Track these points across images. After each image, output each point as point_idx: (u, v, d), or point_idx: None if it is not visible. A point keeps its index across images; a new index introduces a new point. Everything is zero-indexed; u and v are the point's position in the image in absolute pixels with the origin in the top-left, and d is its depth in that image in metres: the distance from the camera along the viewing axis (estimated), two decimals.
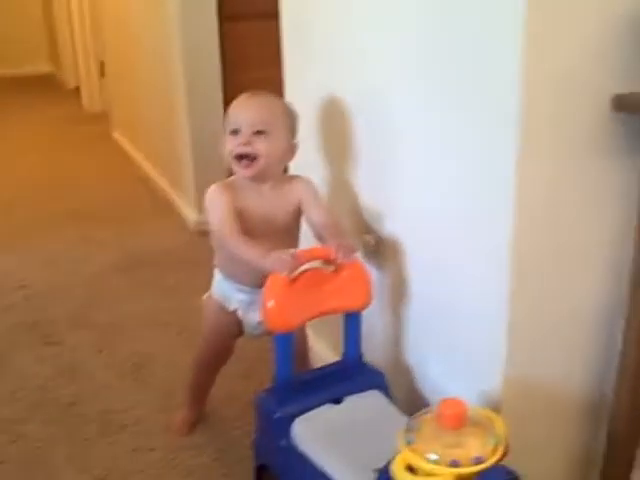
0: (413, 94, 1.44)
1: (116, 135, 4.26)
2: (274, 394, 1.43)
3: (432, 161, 1.42)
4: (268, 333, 1.67)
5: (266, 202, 1.54)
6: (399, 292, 1.60)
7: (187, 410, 1.81)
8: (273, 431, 1.41)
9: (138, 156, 3.84)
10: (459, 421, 1.12)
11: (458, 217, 1.37)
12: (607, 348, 1.37)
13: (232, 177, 1.57)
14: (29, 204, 3.38)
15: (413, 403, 1.58)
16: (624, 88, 1.19)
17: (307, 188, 1.57)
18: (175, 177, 3.25)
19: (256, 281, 1.56)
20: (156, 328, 2.26)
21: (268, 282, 1.37)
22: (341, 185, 1.76)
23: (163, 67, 3.15)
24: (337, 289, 1.44)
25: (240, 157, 1.49)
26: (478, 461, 1.09)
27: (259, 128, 1.49)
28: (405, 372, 1.61)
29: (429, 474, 1.09)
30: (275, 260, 1.36)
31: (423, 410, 1.21)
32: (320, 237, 1.52)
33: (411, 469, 1.12)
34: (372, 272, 1.63)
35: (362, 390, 1.45)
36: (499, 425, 1.15)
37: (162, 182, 3.44)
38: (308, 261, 1.43)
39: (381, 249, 1.64)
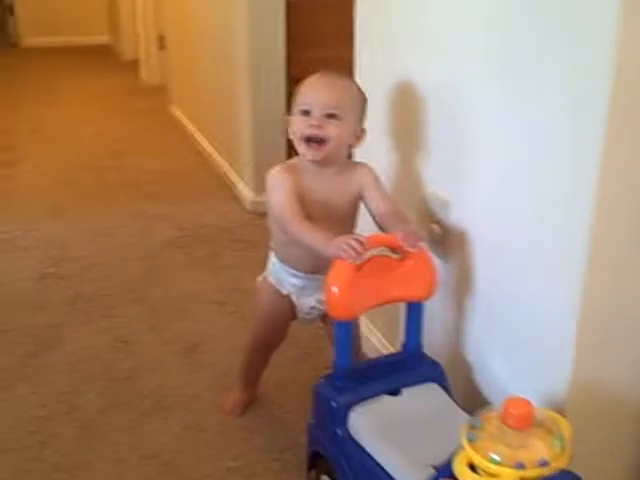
0: (494, 87, 1.38)
1: (173, 109, 4.25)
2: (333, 382, 1.41)
3: (509, 156, 1.37)
4: (322, 319, 1.67)
5: (328, 187, 1.51)
6: (463, 284, 1.56)
7: (239, 392, 1.79)
8: (330, 419, 1.39)
9: (195, 131, 3.83)
10: (525, 422, 1.09)
11: (531, 212, 1.33)
12: None
13: (294, 159, 1.54)
14: (85, 175, 3.39)
15: (472, 398, 1.55)
16: None
17: (369, 175, 1.54)
18: (233, 155, 3.23)
19: (311, 267, 1.56)
20: (211, 307, 2.25)
21: (333, 268, 1.34)
22: (408, 173, 1.71)
23: (225, 42, 3.12)
24: (402, 278, 1.40)
25: (309, 139, 1.46)
26: (543, 464, 1.06)
27: (331, 111, 1.45)
28: (464, 366, 1.58)
29: (493, 475, 1.06)
30: (341, 245, 1.33)
31: (487, 408, 1.18)
32: (381, 225, 1.49)
33: (473, 467, 1.09)
34: (436, 262, 1.60)
35: (420, 382, 1.43)
36: (565, 428, 1.12)
37: (219, 159, 3.42)
38: (374, 247, 1.39)
39: (447, 239, 1.60)
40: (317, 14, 2.84)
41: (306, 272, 1.58)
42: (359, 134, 1.52)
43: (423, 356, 1.49)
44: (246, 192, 3.03)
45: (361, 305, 1.38)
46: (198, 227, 2.83)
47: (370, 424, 1.33)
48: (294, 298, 1.62)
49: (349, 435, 1.34)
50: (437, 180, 1.62)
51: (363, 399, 1.37)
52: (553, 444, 1.08)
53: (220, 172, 3.38)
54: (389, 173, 1.77)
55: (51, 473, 1.59)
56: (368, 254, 1.37)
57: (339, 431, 1.35)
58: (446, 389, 1.45)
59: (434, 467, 1.20)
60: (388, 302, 1.44)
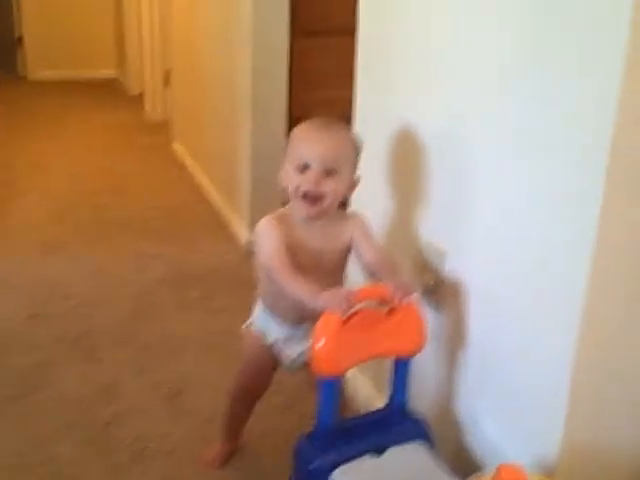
0: (495, 140, 1.35)
1: (176, 146, 4.23)
2: (313, 441, 1.36)
3: (507, 208, 1.33)
4: (306, 367, 1.60)
5: (318, 239, 1.46)
6: (456, 337, 1.51)
7: (221, 443, 1.74)
8: (311, 479, 1.33)
9: (196, 169, 3.81)
10: None
11: (528, 267, 1.28)
12: None
13: (285, 209, 1.49)
14: (82, 211, 3.35)
15: (461, 457, 1.49)
16: None
17: (360, 226, 1.50)
18: (231, 194, 3.19)
19: (298, 317, 1.52)
20: (200, 351, 2.19)
21: (320, 321, 1.29)
22: (405, 221, 1.67)
23: (228, 80, 3.11)
24: (390, 331, 1.35)
25: (305, 195, 1.41)
26: None
27: (330, 167, 1.40)
28: (455, 424, 1.52)
29: None
30: (329, 298, 1.28)
31: (477, 474, 1.12)
32: (372, 275, 1.44)
33: None
34: (429, 313, 1.55)
35: (406, 440, 1.38)
36: None
37: (218, 198, 3.39)
38: (363, 300, 1.34)
39: (441, 289, 1.55)
40: (320, 56, 2.83)
41: (293, 322, 1.54)
42: (353, 184, 1.47)
43: (408, 413, 1.44)
44: (242, 231, 2.98)
45: (348, 361, 1.33)
46: (192, 267, 2.78)
47: None
48: (279, 347, 1.57)
49: None
50: (434, 229, 1.58)
51: (345, 460, 1.31)
52: None
53: (218, 211, 3.35)
54: (385, 221, 1.73)
55: None
56: (356, 307, 1.32)
57: None
58: (432, 447, 1.40)
59: None
60: (375, 357, 1.40)
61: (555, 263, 1.21)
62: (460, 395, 1.51)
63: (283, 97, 2.84)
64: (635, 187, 1.11)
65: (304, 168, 1.40)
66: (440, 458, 1.37)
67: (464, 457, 1.48)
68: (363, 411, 1.85)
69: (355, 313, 1.31)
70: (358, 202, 1.66)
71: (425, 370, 1.57)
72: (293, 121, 2.85)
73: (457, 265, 1.50)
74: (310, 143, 1.41)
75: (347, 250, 1.50)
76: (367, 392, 1.87)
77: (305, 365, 1.60)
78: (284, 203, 1.49)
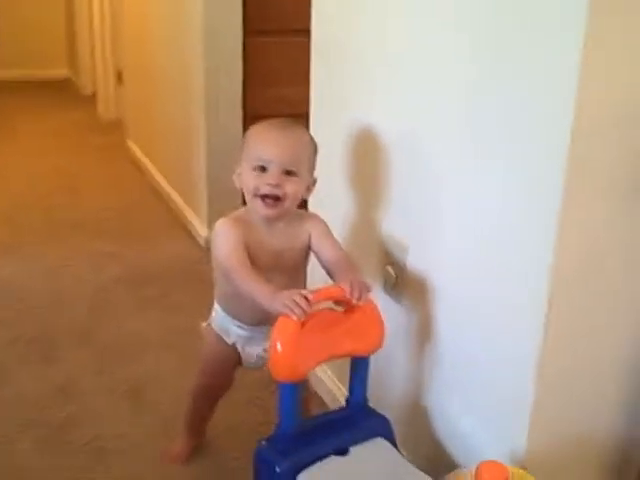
0: (454, 142, 1.36)
1: (130, 144, 4.19)
2: (275, 445, 1.32)
3: (471, 203, 1.34)
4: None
5: (277, 239, 1.46)
6: (422, 331, 1.52)
7: (184, 440, 1.72)
8: None
9: (151, 167, 3.77)
10: None
11: (492, 260, 1.30)
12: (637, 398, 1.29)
13: (242, 210, 1.48)
14: (35, 212, 3.29)
15: (429, 449, 1.50)
16: None
17: (319, 225, 1.49)
18: (188, 192, 3.17)
19: (256, 320, 1.50)
20: (159, 349, 2.17)
21: (277, 326, 1.26)
22: (367, 220, 1.68)
23: (182, 78, 3.09)
24: (348, 331, 1.34)
25: (264, 196, 1.40)
26: None
27: (289, 168, 1.39)
28: (426, 419, 1.52)
29: None
30: (286, 301, 1.26)
31: (455, 471, 1.12)
32: (331, 274, 1.44)
33: None
34: (392, 307, 1.55)
35: (367, 438, 1.36)
36: None
37: (174, 196, 3.36)
38: (321, 302, 1.32)
39: (402, 282, 1.56)
40: (274, 54, 2.82)
41: (252, 323, 1.52)
42: (311, 185, 1.47)
43: (369, 410, 1.43)
44: (200, 229, 2.97)
45: (306, 364, 1.30)
46: (149, 265, 2.74)
47: None
48: (239, 347, 1.56)
49: None
50: (396, 225, 1.58)
51: (310, 462, 1.28)
52: None
53: (174, 208, 3.32)
54: (346, 220, 1.73)
55: None
56: (313, 309, 1.29)
57: None
58: (393, 442, 1.39)
59: None
60: (335, 358, 1.38)
61: (517, 259, 1.23)
62: (430, 390, 1.51)
63: (238, 95, 2.83)
64: (594, 186, 1.13)
65: (262, 169, 1.39)
66: (401, 451, 1.38)
67: (433, 448, 1.49)
68: (329, 405, 1.86)
69: (312, 315, 1.28)
70: (318, 203, 1.66)
71: (395, 364, 1.58)
72: (248, 119, 2.85)
73: (420, 260, 1.50)
74: (268, 144, 1.40)
75: (306, 249, 1.49)
76: (332, 386, 1.87)
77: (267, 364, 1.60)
78: (244, 200, 1.48)
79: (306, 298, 1.26)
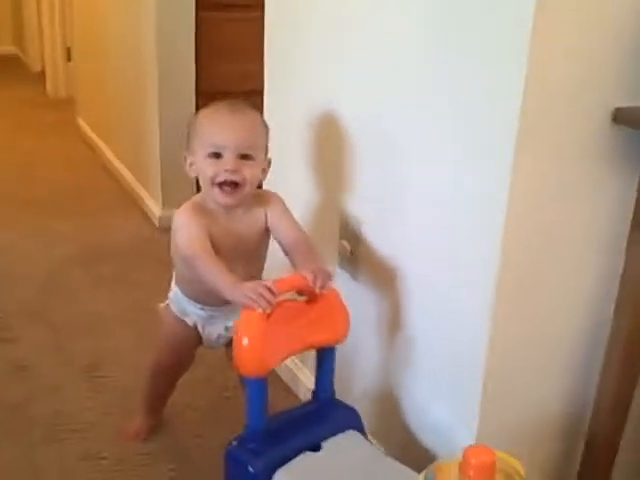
0: (413, 110, 1.36)
1: (80, 122, 4.11)
2: (246, 444, 1.29)
3: (426, 176, 1.35)
4: (226, 345, 1.60)
5: (236, 225, 1.43)
6: (374, 305, 1.53)
7: (142, 417, 1.71)
8: None
9: (102, 145, 3.71)
10: (488, 472, 1.02)
11: (443, 231, 1.32)
12: (588, 369, 1.34)
13: (199, 196, 1.44)
14: None
15: (406, 442, 1.49)
16: (626, 101, 1.15)
17: (277, 204, 1.47)
18: (141, 169, 3.13)
19: (217, 302, 1.47)
20: (115, 327, 2.15)
21: (242, 318, 1.24)
22: (321, 194, 1.68)
23: (133, 55, 3.04)
24: (314, 322, 1.31)
25: (223, 183, 1.37)
26: None
27: (245, 152, 1.36)
28: (394, 405, 1.52)
29: None
30: (250, 293, 1.23)
31: (439, 460, 1.14)
32: (289, 255, 1.42)
33: None
34: (347, 282, 1.56)
35: (338, 431, 1.34)
36: (521, 470, 1.07)
37: (127, 174, 3.32)
38: (284, 292, 1.28)
39: (357, 257, 1.57)
40: (227, 29, 2.79)
41: (212, 306, 1.51)
42: (266, 167, 1.44)
43: (337, 403, 1.41)
44: (154, 207, 2.94)
45: (273, 358, 1.28)
46: (103, 244, 2.71)
47: None
48: (200, 327, 1.55)
49: None
50: (351, 201, 1.58)
51: (283, 460, 1.26)
52: None
53: (127, 187, 3.28)
54: (302, 197, 1.73)
55: None
56: (276, 300, 1.26)
57: None
58: (363, 433, 1.38)
59: None
60: (303, 350, 1.36)
61: (469, 233, 1.26)
62: (393, 372, 1.52)
63: (191, 70, 2.79)
64: (543, 155, 1.15)
65: (217, 156, 1.36)
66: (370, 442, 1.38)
67: (411, 441, 1.47)
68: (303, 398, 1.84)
69: (276, 306, 1.26)
70: (272, 180, 1.65)
71: (352, 348, 1.57)
72: (201, 95, 2.82)
73: (375, 235, 1.51)
74: (222, 129, 1.37)
75: (267, 230, 1.46)
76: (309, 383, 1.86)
77: (226, 345, 1.60)
78: (198, 184, 1.44)
79: (270, 289, 1.23)
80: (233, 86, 2.60)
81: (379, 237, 1.51)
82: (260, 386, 1.28)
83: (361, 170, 1.53)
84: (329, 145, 1.62)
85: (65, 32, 4.65)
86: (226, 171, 1.35)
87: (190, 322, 1.54)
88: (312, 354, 1.69)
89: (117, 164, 3.45)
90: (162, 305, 1.59)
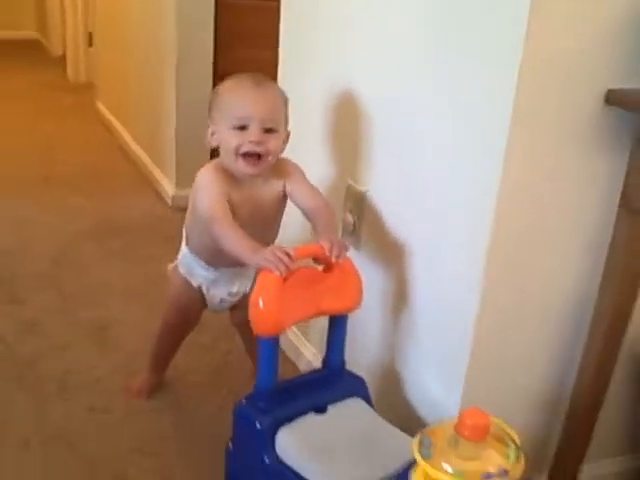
0: (415, 91, 1.43)
1: (99, 105, 4.20)
2: (255, 402, 1.34)
3: (425, 152, 1.41)
4: (230, 309, 1.68)
5: (256, 193, 1.48)
6: (376, 276, 1.59)
7: (148, 374, 1.78)
8: (255, 442, 1.32)
9: (120, 128, 3.79)
10: (481, 433, 1.06)
11: (441, 207, 1.38)
12: (573, 343, 1.39)
13: (220, 161, 1.48)
14: (4, 166, 3.30)
15: (403, 413, 1.53)
16: (618, 84, 1.21)
17: (296, 171, 1.51)
18: (156, 150, 3.21)
19: (222, 263, 1.54)
20: (124, 296, 2.23)
21: (259, 280, 1.29)
22: (327, 167, 1.74)
23: (153, 38, 3.12)
24: (328, 289, 1.36)
25: (247, 154, 1.42)
26: (503, 473, 1.05)
27: (269, 125, 1.41)
28: (393, 378, 1.58)
29: None
30: (269, 257, 1.27)
31: (436, 423, 1.17)
32: (311, 220, 1.47)
33: None
34: (350, 253, 1.62)
35: (344, 397, 1.40)
36: (515, 438, 1.11)
37: (142, 155, 3.40)
38: (301, 259, 1.32)
39: (360, 229, 1.63)
40: (246, 15, 2.87)
41: (217, 266, 1.57)
42: (286, 139, 1.49)
43: (345, 371, 1.46)
44: (168, 187, 3.02)
45: (287, 320, 1.32)
46: (117, 220, 2.79)
47: (301, 444, 1.29)
48: (204, 290, 1.61)
49: (278, 458, 1.29)
50: (356, 174, 1.64)
51: (289, 419, 1.31)
52: (508, 453, 1.07)
53: (143, 168, 3.36)
54: (312, 173, 1.77)
55: None
56: (294, 266, 1.31)
57: (266, 455, 1.29)
58: (369, 402, 1.43)
59: None
60: (315, 315, 1.39)
61: (464, 217, 1.32)
62: (393, 342, 1.56)
63: (209, 55, 2.87)
64: (537, 134, 1.21)
65: (242, 127, 1.40)
66: (377, 408, 1.42)
67: (408, 414, 1.51)
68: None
69: (293, 271, 1.30)
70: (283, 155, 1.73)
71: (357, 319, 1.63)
72: (218, 78, 2.90)
73: (378, 210, 1.57)
74: (248, 102, 1.40)
75: (284, 197, 1.51)
76: (313, 359, 1.91)
77: (231, 309, 1.67)
78: (212, 157, 1.49)
79: (288, 254, 1.28)
80: (250, 71, 2.67)
81: (381, 210, 1.57)
82: (271, 346, 1.32)
83: (365, 147, 1.60)
84: (337, 123, 1.69)
85: (87, 17, 4.74)
86: (251, 142, 1.40)
87: (195, 283, 1.61)
88: (316, 329, 1.77)
89: (134, 146, 3.53)
90: (171, 265, 1.66)
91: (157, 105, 3.13)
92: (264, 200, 1.49)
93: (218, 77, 2.87)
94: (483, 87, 1.24)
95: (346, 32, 1.64)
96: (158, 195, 3.08)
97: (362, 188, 1.61)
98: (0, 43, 5.90)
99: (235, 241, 1.35)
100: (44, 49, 5.97)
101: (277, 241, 1.59)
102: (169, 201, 2.97)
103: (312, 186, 1.52)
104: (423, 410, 1.48)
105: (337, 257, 1.33)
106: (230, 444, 1.42)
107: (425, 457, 1.07)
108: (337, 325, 1.42)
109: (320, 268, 1.39)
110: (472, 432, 1.06)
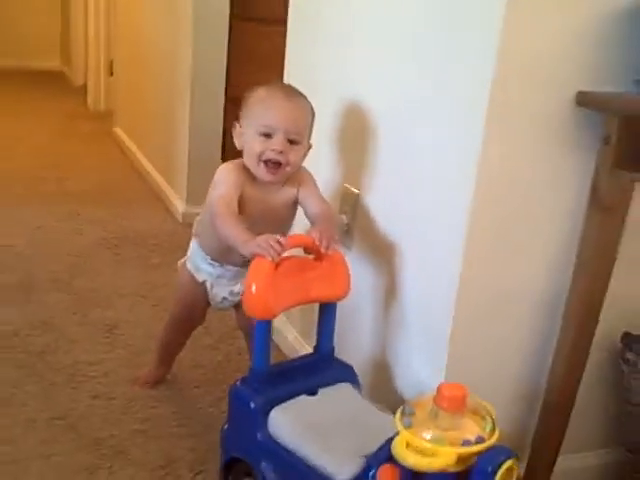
0: (401, 97, 1.54)
1: (117, 130, 4.36)
2: (250, 384, 1.43)
3: (411, 153, 1.52)
4: (235, 307, 1.74)
5: (269, 196, 1.56)
6: (366, 275, 1.68)
7: (152, 368, 1.87)
8: (249, 421, 1.40)
9: (136, 150, 3.94)
10: (458, 404, 1.14)
11: (425, 204, 1.48)
12: (549, 335, 1.46)
13: (242, 161, 1.56)
14: (24, 184, 3.45)
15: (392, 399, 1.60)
16: (588, 86, 1.31)
17: (308, 179, 1.59)
18: (169, 169, 3.34)
19: (226, 259, 1.62)
20: (133, 298, 2.33)
21: (252, 266, 1.36)
22: (326, 171, 1.84)
23: (170, 64, 3.26)
24: (318, 278, 1.44)
25: (268, 161, 1.50)
26: (480, 440, 1.12)
27: (293, 137, 1.49)
28: (382, 364, 1.66)
29: (432, 454, 1.11)
30: (261, 244, 1.35)
31: (417, 396, 1.26)
32: (312, 223, 1.54)
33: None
34: (342, 251, 1.72)
35: (334, 382, 1.48)
36: (493, 412, 1.19)
37: (155, 174, 3.53)
38: (292, 248, 1.41)
39: (353, 230, 1.73)
40: (257, 40, 3.00)
41: (222, 262, 1.65)
42: (307, 150, 1.56)
43: (336, 359, 1.54)
44: (179, 204, 3.13)
45: (279, 304, 1.39)
46: (129, 231, 2.92)
47: (292, 423, 1.36)
48: (208, 286, 1.69)
49: (270, 436, 1.36)
50: (350, 178, 1.75)
51: (281, 400, 1.39)
52: (484, 425, 1.15)
53: (155, 186, 3.49)
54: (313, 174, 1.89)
55: None
56: (285, 254, 1.39)
57: (259, 433, 1.37)
58: (358, 387, 1.50)
59: (363, 457, 1.24)
60: (305, 302, 1.47)
61: (443, 213, 1.42)
62: (388, 340, 1.64)
63: (222, 77, 3.01)
64: (513, 129, 1.31)
65: (267, 135, 1.48)
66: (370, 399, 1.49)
67: (398, 399, 1.57)
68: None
69: (285, 259, 1.39)
70: None
71: (350, 313, 1.71)
72: (230, 101, 3.04)
73: (369, 209, 1.68)
74: (277, 112, 1.48)
75: (295, 206, 1.59)
76: (295, 343, 2.01)
77: (234, 306, 1.74)
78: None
79: (279, 242, 1.35)
80: None
81: (372, 211, 1.67)
82: (264, 329, 1.40)
83: (360, 153, 1.70)
84: (335, 132, 1.80)
85: (109, 47, 4.93)
86: (273, 150, 1.48)
87: (200, 279, 1.69)
88: (300, 315, 1.88)
89: (147, 166, 3.67)
90: (180, 261, 1.75)
91: (171, 126, 3.27)
92: (276, 203, 1.57)
93: (230, 99, 3.02)
94: (461, 91, 1.35)
95: (345, 50, 1.76)
96: (169, 211, 3.21)
97: (356, 190, 1.72)
98: (26, 74, 6.12)
99: (232, 229, 1.44)
100: (67, 79, 6.18)
101: None
102: (179, 217, 3.08)
103: (320, 195, 1.59)
104: (412, 395, 1.55)
105: (326, 247, 1.41)
106: (226, 425, 1.49)
107: (406, 426, 1.15)
108: (327, 312, 1.50)
109: (311, 258, 1.47)
110: (450, 403, 1.14)
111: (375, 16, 1.63)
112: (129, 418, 1.72)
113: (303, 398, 1.42)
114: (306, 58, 1.98)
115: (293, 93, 1.55)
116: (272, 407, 1.38)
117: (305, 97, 1.57)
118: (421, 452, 1.12)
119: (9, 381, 1.83)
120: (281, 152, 1.48)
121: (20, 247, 2.65)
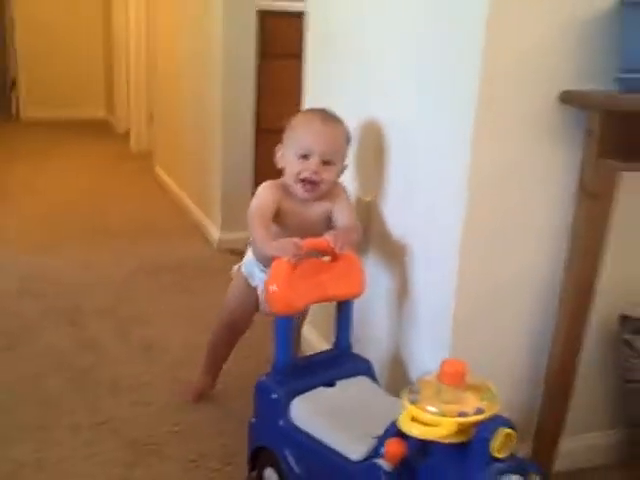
0: (406, 106, 1.66)
1: (157, 169, 4.58)
2: (273, 377, 1.56)
3: (417, 160, 1.64)
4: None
5: (306, 210, 1.69)
6: (379, 277, 1.78)
7: (200, 377, 1.97)
8: (273, 411, 1.52)
9: (174, 186, 4.14)
10: (459, 378, 1.23)
11: (429, 206, 1.59)
12: (546, 318, 1.54)
13: (284, 180, 1.69)
14: (72, 220, 3.65)
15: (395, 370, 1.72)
16: (573, 84, 1.42)
17: (341, 196, 1.71)
18: (204, 200, 3.52)
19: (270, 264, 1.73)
20: (170, 321, 2.47)
21: (273, 266, 1.50)
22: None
23: (203, 109, 3.46)
24: (334, 277, 1.56)
25: (304, 180, 1.65)
26: (479, 412, 1.20)
27: (327, 158, 1.63)
28: (395, 357, 1.75)
29: (435, 424, 1.20)
30: (280, 246, 1.50)
31: (423, 374, 1.33)
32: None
33: None
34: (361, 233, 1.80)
35: (352, 375, 1.58)
36: (493, 388, 1.27)
37: (193, 207, 3.71)
38: (309, 251, 1.53)
39: (368, 235, 1.83)
40: (283, 75, 3.17)
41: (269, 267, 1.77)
42: (341, 170, 1.70)
43: (353, 354, 1.65)
44: (214, 232, 3.29)
45: (298, 302, 1.52)
46: (167, 260, 3.07)
47: (311, 410, 1.48)
48: (259, 291, 1.80)
49: (291, 423, 1.48)
50: (361, 188, 1.88)
51: (302, 391, 1.51)
52: (484, 398, 1.23)
53: (192, 217, 3.68)
54: None
55: (13, 431, 1.80)
56: (303, 255, 1.51)
57: (281, 420, 1.49)
58: (374, 380, 1.61)
59: (375, 437, 1.34)
60: (323, 300, 1.59)
61: (440, 197, 1.52)
62: (402, 336, 1.74)
63: (251, 112, 3.18)
64: (502, 125, 1.42)
65: (305, 157, 1.63)
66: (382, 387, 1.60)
67: (398, 370, 1.70)
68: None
69: (303, 261, 1.51)
70: None
71: (369, 314, 1.82)
72: (260, 132, 3.21)
73: (383, 219, 1.79)
74: (312, 136, 1.63)
75: (329, 218, 1.71)
76: (313, 340, 2.14)
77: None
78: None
79: (297, 244, 1.50)
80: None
81: (384, 217, 1.78)
82: (286, 325, 1.52)
83: (372, 165, 1.82)
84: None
85: (149, 97, 5.20)
86: (309, 170, 1.63)
87: (253, 283, 1.81)
88: (320, 317, 1.95)
89: (185, 200, 3.87)
90: (235, 267, 1.88)
91: (205, 161, 3.45)
92: (311, 216, 1.70)
93: (260, 131, 3.18)
94: (453, 87, 1.46)
95: (354, 73, 1.90)
96: (205, 239, 3.37)
97: (368, 198, 1.83)
98: (73, 122, 6.42)
99: (258, 233, 1.60)
100: (111, 126, 6.47)
101: None
102: (215, 244, 3.24)
103: (351, 209, 1.72)
104: None
105: (340, 248, 1.54)
106: (252, 418, 1.61)
107: (412, 402, 1.24)
108: (344, 310, 1.62)
109: (327, 260, 1.60)
110: (451, 378, 1.24)
111: (378, 48, 1.77)
112: (165, 421, 1.85)
113: (322, 389, 1.54)
114: (321, 87, 2.13)
115: (329, 118, 1.68)
116: (293, 397, 1.50)
117: (341, 122, 1.70)
118: (425, 424, 1.21)
119: (58, 392, 1.98)
120: (316, 172, 1.62)
121: (69, 281, 2.82)
